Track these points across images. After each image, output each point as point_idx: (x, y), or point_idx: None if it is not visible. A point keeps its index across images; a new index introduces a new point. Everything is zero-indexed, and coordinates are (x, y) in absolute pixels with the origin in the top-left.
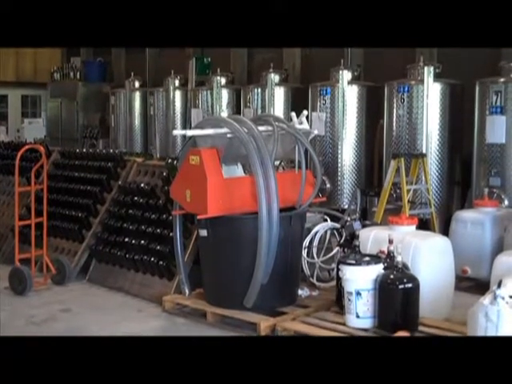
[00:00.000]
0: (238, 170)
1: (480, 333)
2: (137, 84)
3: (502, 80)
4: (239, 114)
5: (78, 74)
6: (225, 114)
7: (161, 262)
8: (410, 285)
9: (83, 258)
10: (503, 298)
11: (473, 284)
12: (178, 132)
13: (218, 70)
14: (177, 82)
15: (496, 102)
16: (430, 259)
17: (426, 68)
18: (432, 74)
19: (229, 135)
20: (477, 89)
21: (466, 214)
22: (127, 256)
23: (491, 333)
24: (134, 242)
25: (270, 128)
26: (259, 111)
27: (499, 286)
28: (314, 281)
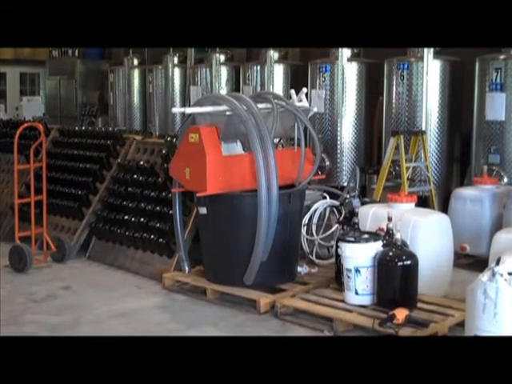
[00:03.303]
0: (238, 148)
1: (478, 310)
2: (135, 61)
3: (502, 57)
4: (238, 91)
5: (77, 51)
6: (224, 91)
7: (160, 240)
8: (408, 262)
9: (83, 236)
10: (502, 275)
11: (471, 261)
12: (177, 110)
13: (217, 48)
14: (176, 60)
15: (496, 79)
16: (429, 236)
17: None
18: (432, 51)
19: (228, 113)
20: (477, 66)
21: (465, 192)
22: (127, 233)
23: (489, 310)
24: (133, 219)
25: (269, 105)
26: (258, 88)
27: (498, 262)
28: (314, 258)
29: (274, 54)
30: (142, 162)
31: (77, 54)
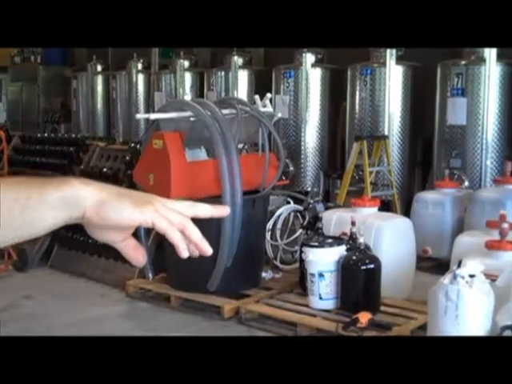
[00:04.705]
0: (202, 154)
1: (440, 312)
2: (99, 67)
3: (463, 62)
4: (203, 97)
5: (39, 57)
6: (188, 97)
7: None
8: (371, 266)
9: (45, 244)
10: (463, 278)
11: (433, 264)
12: (141, 116)
13: (182, 53)
14: (139, 66)
15: (457, 84)
16: (392, 240)
17: (388, 51)
18: (394, 57)
19: (192, 118)
20: (438, 71)
21: (427, 195)
22: (90, 241)
23: (451, 312)
24: None
25: (233, 111)
26: (223, 94)
27: (459, 265)
28: (278, 263)
29: (238, 60)
30: (105, 169)
31: (39, 59)
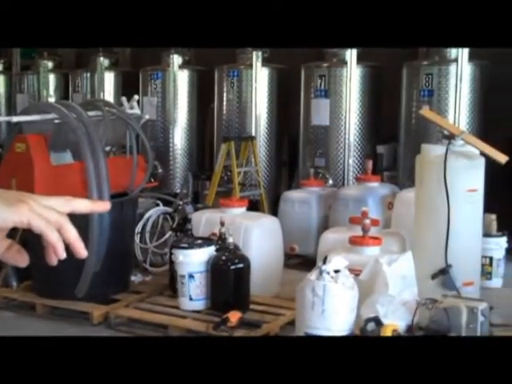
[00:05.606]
0: (68, 157)
1: (308, 307)
2: None
3: (325, 65)
4: (68, 99)
5: None
6: (53, 99)
7: None
8: (241, 265)
9: None
10: (328, 273)
11: (301, 261)
12: (2, 118)
13: (45, 54)
14: (0, 66)
15: (320, 86)
16: (260, 239)
17: (254, 53)
18: (260, 59)
19: (57, 121)
20: (302, 73)
21: (293, 194)
22: None
23: (318, 307)
24: None
25: (99, 113)
26: (89, 96)
27: (324, 261)
28: (147, 266)
29: (104, 61)
30: None
31: None
